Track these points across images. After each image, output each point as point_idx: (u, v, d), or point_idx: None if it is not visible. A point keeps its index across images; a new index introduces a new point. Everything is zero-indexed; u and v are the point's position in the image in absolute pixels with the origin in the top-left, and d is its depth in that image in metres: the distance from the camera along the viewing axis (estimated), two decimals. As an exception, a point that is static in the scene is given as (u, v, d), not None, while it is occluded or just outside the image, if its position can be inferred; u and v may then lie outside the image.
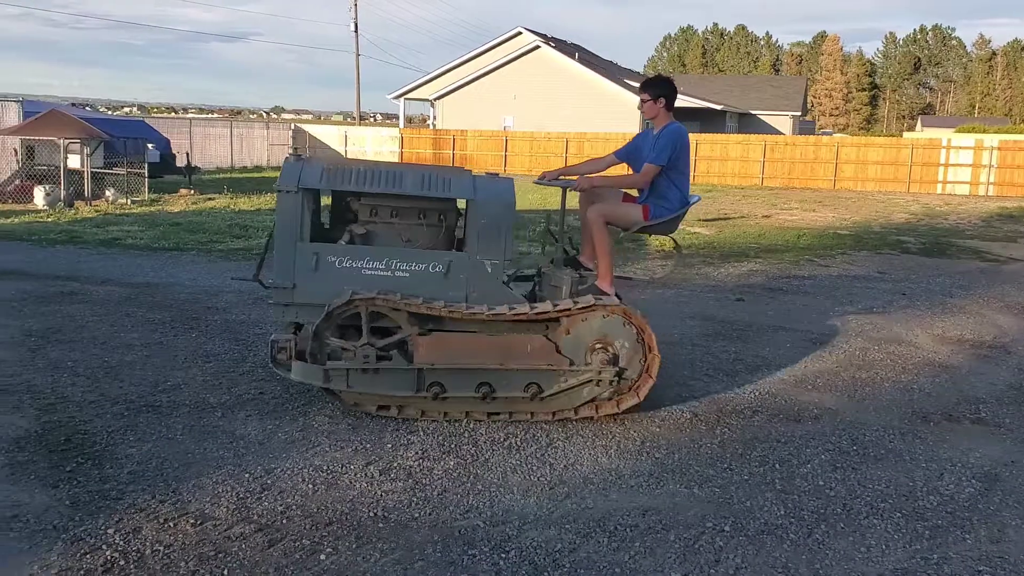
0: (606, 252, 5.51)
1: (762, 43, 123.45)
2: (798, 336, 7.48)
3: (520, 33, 41.79)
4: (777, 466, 4.59)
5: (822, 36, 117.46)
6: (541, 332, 5.12)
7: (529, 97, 37.53)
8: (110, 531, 3.61)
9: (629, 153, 5.83)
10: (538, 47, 38.54)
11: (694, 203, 5.72)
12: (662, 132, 5.55)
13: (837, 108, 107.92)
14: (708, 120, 41.29)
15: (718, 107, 40.70)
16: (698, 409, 5.48)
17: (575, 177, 5.78)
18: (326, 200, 5.55)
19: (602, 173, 5.96)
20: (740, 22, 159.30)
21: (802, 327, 7.83)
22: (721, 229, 15.70)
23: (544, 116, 36.60)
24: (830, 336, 7.51)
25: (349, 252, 5.12)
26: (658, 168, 5.46)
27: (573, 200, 5.87)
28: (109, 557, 3.39)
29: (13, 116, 20.29)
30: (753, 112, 47.29)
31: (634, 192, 5.81)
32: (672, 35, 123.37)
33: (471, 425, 5.01)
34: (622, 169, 5.88)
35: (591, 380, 5.06)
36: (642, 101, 5.67)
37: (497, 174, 5.68)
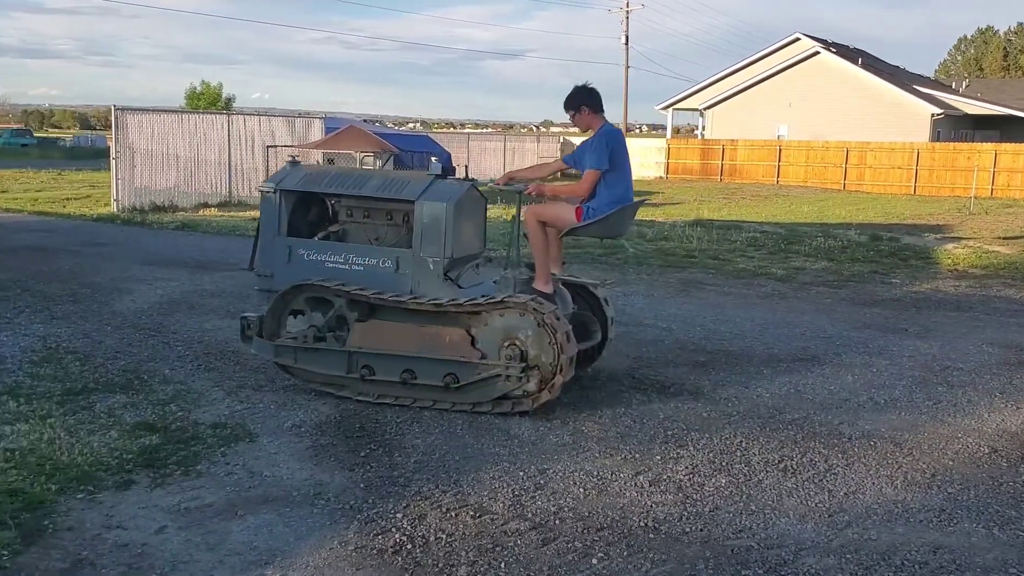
0: (540, 252, 5.64)
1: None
2: (1124, 370, 6.57)
3: (798, 39, 40.16)
4: (1099, 516, 4.05)
5: None
6: (463, 326, 5.28)
7: (806, 105, 35.95)
8: (398, 515, 3.87)
9: (576, 160, 5.82)
10: (817, 53, 36.85)
11: (631, 204, 5.64)
12: (594, 136, 5.63)
13: None
14: (1010, 128, 37.40)
15: (1021, 114, 36.76)
16: (998, 444, 4.97)
17: (532, 182, 5.89)
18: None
19: (551, 182, 6.12)
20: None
21: None
22: (1025, 247, 14.17)
23: (822, 125, 34.89)
24: None
25: (315, 247, 5.72)
26: (599, 172, 5.50)
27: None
28: (398, 540, 3.64)
29: (317, 131, 22.46)
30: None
31: None
32: (968, 36, 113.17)
33: (743, 443, 4.88)
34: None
35: (501, 375, 5.15)
36: (571, 119, 5.78)
37: (466, 178, 5.94)
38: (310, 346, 5.49)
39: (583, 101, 5.69)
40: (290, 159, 6.42)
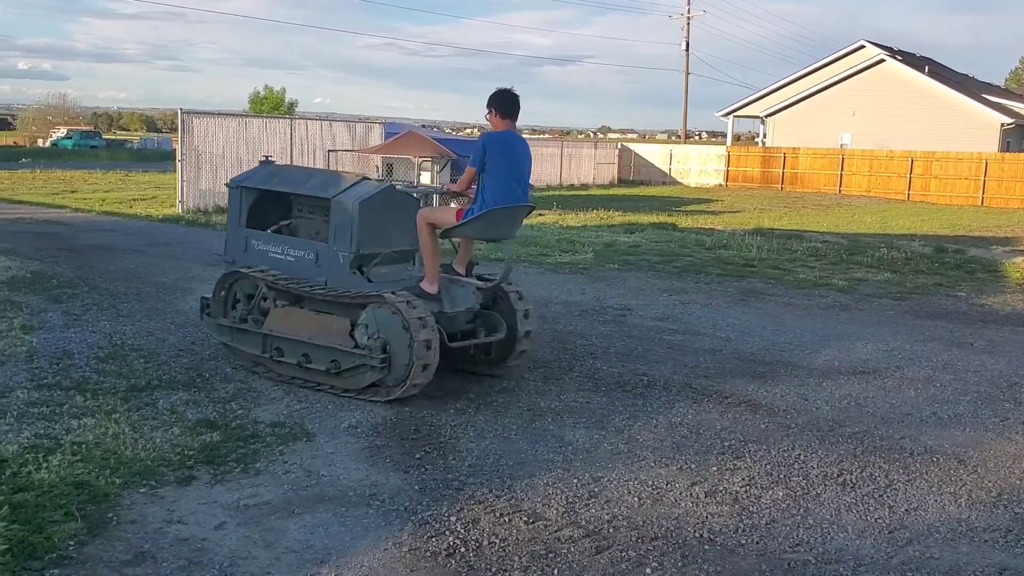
0: (428, 253, 5.85)
1: None
2: None
3: (863, 47, 39.44)
4: None
5: None
6: (349, 317, 5.65)
7: (870, 113, 35.29)
8: (452, 519, 3.89)
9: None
10: (882, 60, 36.16)
11: (506, 208, 5.73)
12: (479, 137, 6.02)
13: None
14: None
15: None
16: (1070, 465, 4.81)
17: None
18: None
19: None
20: None
21: None
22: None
23: (887, 133, 34.21)
24: None
25: (263, 238, 6.29)
26: (473, 171, 5.82)
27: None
28: (452, 543, 3.66)
29: (377, 136, 22.72)
30: None
31: None
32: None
33: (801, 456, 4.80)
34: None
35: (367, 364, 5.44)
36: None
37: (385, 182, 6.60)
38: (237, 326, 6.18)
39: (493, 103, 5.92)
40: (263, 158, 6.99)
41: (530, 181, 6.06)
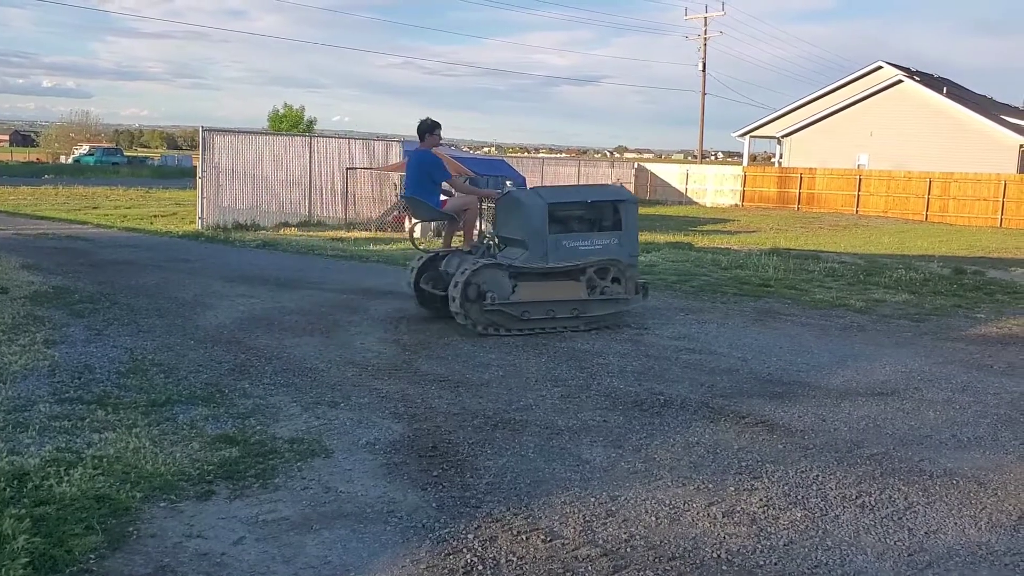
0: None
1: None
2: None
3: (880, 67, 39.46)
4: None
5: None
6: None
7: (887, 134, 35.22)
8: (470, 536, 3.90)
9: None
10: (900, 81, 36.12)
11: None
12: None
13: None
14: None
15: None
16: (1092, 489, 4.76)
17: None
18: None
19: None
20: None
21: None
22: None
23: (904, 154, 34.13)
24: None
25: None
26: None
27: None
28: (469, 561, 3.67)
29: (395, 154, 22.86)
30: None
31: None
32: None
33: (819, 477, 4.78)
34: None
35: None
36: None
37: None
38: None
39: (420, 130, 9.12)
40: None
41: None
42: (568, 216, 8.71)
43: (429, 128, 9.03)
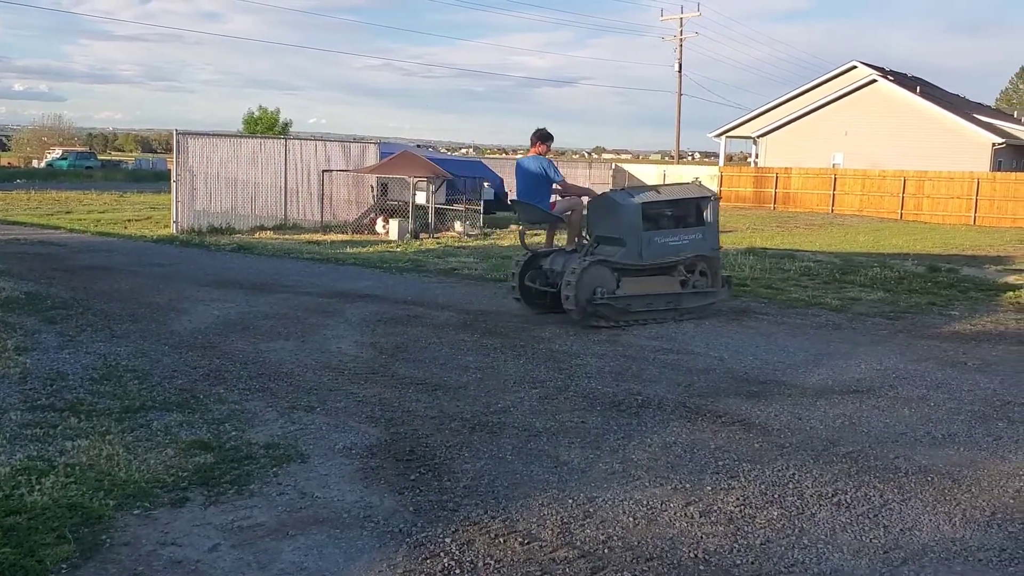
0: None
1: None
2: None
3: (854, 67, 39.81)
4: None
5: None
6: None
7: (862, 133, 35.55)
8: (447, 540, 3.88)
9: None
10: (874, 81, 36.47)
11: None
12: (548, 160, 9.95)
13: None
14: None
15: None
16: (1064, 483, 4.81)
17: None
18: None
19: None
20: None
21: None
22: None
23: (879, 153, 34.46)
24: None
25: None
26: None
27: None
28: (446, 564, 3.65)
29: (372, 156, 22.78)
30: None
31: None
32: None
33: (795, 476, 4.80)
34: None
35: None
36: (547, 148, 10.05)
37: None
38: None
39: (537, 137, 9.93)
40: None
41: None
42: (659, 214, 9.42)
43: (544, 137, 9.94)
